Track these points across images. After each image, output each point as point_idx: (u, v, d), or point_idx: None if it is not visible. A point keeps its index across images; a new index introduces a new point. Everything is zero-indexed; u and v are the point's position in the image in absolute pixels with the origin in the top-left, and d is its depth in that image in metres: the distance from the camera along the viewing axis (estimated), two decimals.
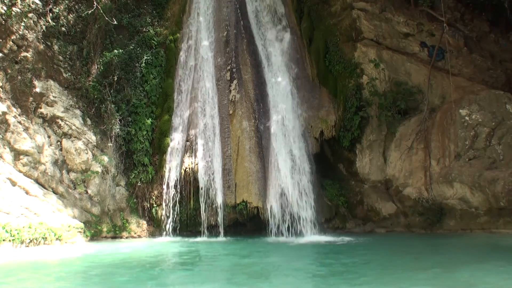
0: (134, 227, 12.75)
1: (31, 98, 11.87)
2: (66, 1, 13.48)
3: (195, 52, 14.94)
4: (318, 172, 13.12)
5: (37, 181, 11.20)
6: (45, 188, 11.30)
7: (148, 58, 14.14)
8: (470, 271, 6.33)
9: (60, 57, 12.95)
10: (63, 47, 13.00)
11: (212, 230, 12.45)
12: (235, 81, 13.94)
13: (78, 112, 12.73)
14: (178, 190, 12.74)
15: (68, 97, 12.69)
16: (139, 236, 12.70)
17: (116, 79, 13.39)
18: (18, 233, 9.79)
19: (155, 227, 12.95)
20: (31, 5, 12.28)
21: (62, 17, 13.25)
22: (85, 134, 12.50)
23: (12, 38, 11.88)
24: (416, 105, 13.27)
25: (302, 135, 13.41)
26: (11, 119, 11.14)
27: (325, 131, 13.68)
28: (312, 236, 11.68)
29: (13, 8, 11.80)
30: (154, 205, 13.00)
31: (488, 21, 14.06)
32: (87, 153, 12.28)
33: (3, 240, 9.56)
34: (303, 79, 14.70)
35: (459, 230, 11.38)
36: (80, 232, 11.25)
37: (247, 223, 13.27)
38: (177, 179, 12.80)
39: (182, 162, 13.04)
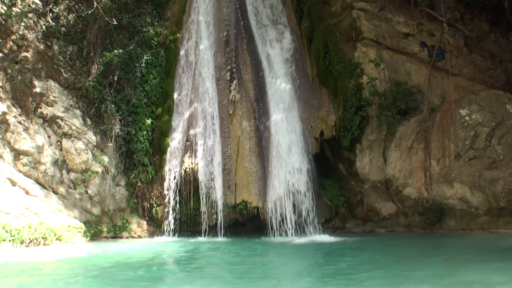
0: (134, 227, 12.75)
1: (31, 98, 11.87)
2: (66, 1, 13.47)
3: (195, 52, 14.95)
4: (318, 172, 13.12)
5: (37, 181, 11.20)
6: (45, 188, 11.30)
7: (148, 58, 14.14)
8: (470, 271, 6.33)
9: (60, 57, 12.94)
10: (63, 47, 13.00)
11: (212, 230, 12.44)
12: (235, 81, 13.94)
13: (78, 112, 12.73)
14: (178, 190, 12.74)
15: (68, 97, 12.69)
16: (139, 236, 12.70)
17: (116, 79, 13.38)
18: (18, 233, 9.78)
19: (155, 227, 12.95)
20: (31, 5, 12.27)
21: (62, 17, 13.24)
22: (85, 134, 12.50)
23: (12, 38, 11.88)
24: (416, 105, 13.27)
25: (302, 135, 13.41)
26: (11, 119, 11.14)
27: (325, 131, 13.68)
28: (312, 236, 11.68)
29: (13, 8, 11.80)
30: (154, 205, 13.00)
31: (488, 21, 14.06)
32: (87, 153, 12.28)
33: (3, 240, 9.56)
34: (303, 79, 14.70)
35: (459, 230, 11.38)
36: (80, 232, 11.25)
37: (247, 223, 13.27)
38: (177, 179, 12.80)
39: (182, 162, 13.05)
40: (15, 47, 11.90)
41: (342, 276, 6.36)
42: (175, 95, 14.24)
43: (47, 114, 12.02)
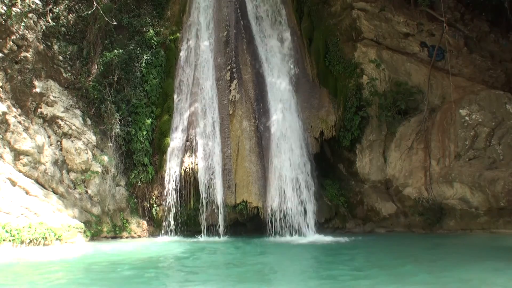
0: (134, 227, 12.75)
1: (31, 98, 11.87)
2: (66, 1, 13.47)
3: (195, 52, 14.94)
4: (318, 172, 13.12)
5: (37, 181, 11.20)
6: (45, 188, 11.30)
7: (148, 58, 14.14)
8: (470, 271, 6.33)
9: (60, 57, 12.94)
10: (63, 47, 13.00)
11: (212, 230, 12.44)
12: (235, 81, 13.94)
13: (78, 112, 12.73)
14: (178, 190, 12.74)
15: (68, 97, 12.68)
16: (139, 236, 12.70)
17: (116, 79, 13.38)
18: (18, 233, 9.79)
19: (155, 227, 12.95)
20: (31, 5, 12.27)
21: (62, 17, 13.24)
22: (85, 134, 12.50)
23: (12, 38, 11.87)
24: (416, 105, 13.28)
25: (302, 135, 13.42)
26: (11, 119, 11.14)
27: (325, 131, 13.68)
28: (312, 236, 11.68)
29: (13, 8, 11.79)
30: (154, 205, 13.00)
31: (488, 21, 14.07)
32: (87, 153, 12.28)
33: (3, 240, 9.56)
34: (303, 79, 14.70)
35: (459, 230, 11.39)
36: (80, 232, 11.25)
37: (247, 223, 13.27)
38: (177, 179, 12.80)
39: (182, 162, 13.04)
40: (15, 47, 11.90)
41: (341, 276, 6.36)
42: (175, 95, 14.25)
43: (47, 114, 12.02)
